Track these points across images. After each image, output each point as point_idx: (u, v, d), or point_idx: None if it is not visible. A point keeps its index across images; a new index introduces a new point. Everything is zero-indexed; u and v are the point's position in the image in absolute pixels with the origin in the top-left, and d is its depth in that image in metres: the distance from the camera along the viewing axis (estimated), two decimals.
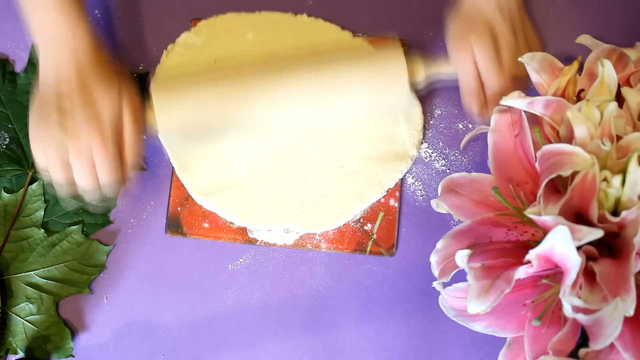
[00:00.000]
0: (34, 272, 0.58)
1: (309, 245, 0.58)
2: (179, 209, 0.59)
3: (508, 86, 0.54)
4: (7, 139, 0.59)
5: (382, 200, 0.59)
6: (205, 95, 0.55)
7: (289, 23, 0.61)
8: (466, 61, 0.54)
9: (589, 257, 0.41)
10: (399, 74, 0.56)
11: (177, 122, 0.55)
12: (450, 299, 0.48)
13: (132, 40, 0.62)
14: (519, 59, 0.51)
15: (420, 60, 0.57)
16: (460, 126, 0.61)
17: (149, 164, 0.60)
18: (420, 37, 0.62)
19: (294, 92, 0.56)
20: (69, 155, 0.50)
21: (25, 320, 0.57)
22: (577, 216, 0.42)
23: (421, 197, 0.60)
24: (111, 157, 0.51)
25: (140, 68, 0.61)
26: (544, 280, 0.45)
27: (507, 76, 0.54)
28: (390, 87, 0.57)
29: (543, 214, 0.41)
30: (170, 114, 0.55)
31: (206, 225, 0.58)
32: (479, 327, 0.47)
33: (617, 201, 0.41)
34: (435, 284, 0.48)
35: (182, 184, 0.59)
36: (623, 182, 0.40)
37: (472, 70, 0.54)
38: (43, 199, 0.58)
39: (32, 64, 0.61)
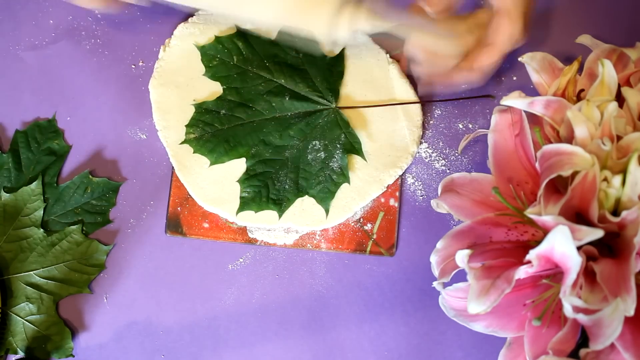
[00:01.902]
0: (34, 272, 0.58)
1: (309, 245, 0.58)
2: (179, 209, 0.59)
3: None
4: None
5: (382, 200, 0.59)
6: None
7: None
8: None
9: (589, 257, 0.41)
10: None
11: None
12: (450, 299, 0.48)
13: (132, 38, 0.62)
14: (519, 59, 0.51)
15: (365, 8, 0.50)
16: (460, 126, 0.61)
17: (148, 164, 0.60)
18: None
19: None
20: None
21: (25, 320, 0.57)
22: (577, 216, 0.42)
23: (421, 197, 0.60)
24: None
25: (141, 64, 0.61)
26: (544, 280, 0.45)
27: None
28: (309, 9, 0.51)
29: (543, 214, 0.41)
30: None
31: (206, 225, 0.58)
32: (479, 327, 0.47)
33: (618, 201, 0.41)
34: (435, 284, 0.48)
35: (182, 184, 0.59)
36: (623, 182, 0.40)
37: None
38: (42, 198, 0.58)
39: None
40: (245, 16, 0.53)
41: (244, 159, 0.58)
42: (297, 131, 0.58)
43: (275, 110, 0.59)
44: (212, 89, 0.59)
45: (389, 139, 0.59)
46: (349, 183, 0.58)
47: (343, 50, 0.60)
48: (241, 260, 0.59)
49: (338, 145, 0.58)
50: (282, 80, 0.59)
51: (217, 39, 0.60)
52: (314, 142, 0.58)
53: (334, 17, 0.49)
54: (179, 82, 0.60)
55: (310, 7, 0.50)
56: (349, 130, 0.58)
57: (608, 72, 0.46)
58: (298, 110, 0.59)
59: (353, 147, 0.58)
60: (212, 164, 0.58)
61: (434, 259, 0.48)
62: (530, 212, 0.42)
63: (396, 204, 0.59)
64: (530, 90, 0.58)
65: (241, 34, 0.60)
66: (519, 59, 0.51)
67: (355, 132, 0.58)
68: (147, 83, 0.61)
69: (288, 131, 0.58)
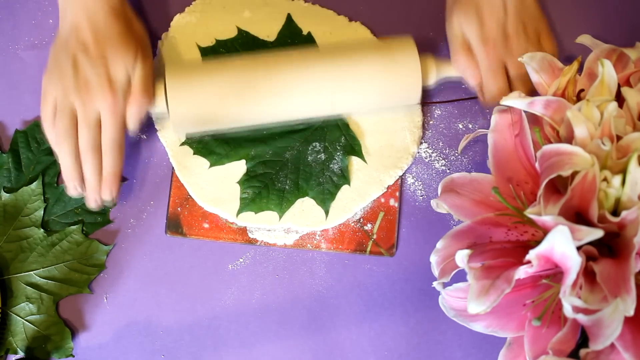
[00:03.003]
0: (34, 272, 0.58)
1: (309, 245, 0.58)
2: (179, 209, 0.59)
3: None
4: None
5: (382, 200, 0.59)
6: (216, 89, 0.55)
7: (285, 6, 0.61)
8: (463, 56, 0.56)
9: (589, 257, 0.42)
10: (413, 74, 0.56)
11: (189, 109, 0.54)
12: (450, 299, 0.48)
13: None
14: (519, 59, 0.51)
15: (432, 60, 0.57)
16: (460, 126, 0.61)
17: (148, 164, 0.60)
18: (420, 37, 0.62)
19: (304, 87, 0.55)
20: (76, 106, 0.51)
21: (25, 320, 0.57)
22: (577, 216, 0.42)
23: (421, 197, 0.60)
24: (119, 113, 0.52)
25: None
26: (544, 280, 0.45)
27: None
28: (403, 87, 0.56)
29: (543, 214, 0.41)
30: (183, 100, 0.54)
31: (206, 225, 0.58)
32: (479, 327, 0.47)
33: (617, 201, 0.41)
34: (435, 284, 0.48)
35: (182, 184, 0.59)
36: (623, 182, 0.40)
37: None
38: (42, 198, 0.58)
39: None
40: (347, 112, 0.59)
41: (243, 160, 0.58)
42: (297, 133, 0.58)
43: None
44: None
45: (389, 140, 0.59)
46: (349, 185, 0.58)
47: None
48: (241, 260, 0.59)
49: (338, 147, 0.58)
50: None
51: (219, 42, 0.60)
52: (314, 144, 0.58)
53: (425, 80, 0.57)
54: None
55: (400, 86, 0.56)
56: (348, 132, 0.58)
57: (608, 72, 0.46)
58: None
59: (353, 149, 0.58)
60: (212, 165, 0.58)
61: (434, 259, 0.48)
62: (530, 212, 0.42)
63: (396, 204, 0.59)
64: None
65: (241, 36, 0.60)
66: (519, 59, 0.51)
67: (355, 134, 0.58)
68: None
69: (288, 133, 0.58)
